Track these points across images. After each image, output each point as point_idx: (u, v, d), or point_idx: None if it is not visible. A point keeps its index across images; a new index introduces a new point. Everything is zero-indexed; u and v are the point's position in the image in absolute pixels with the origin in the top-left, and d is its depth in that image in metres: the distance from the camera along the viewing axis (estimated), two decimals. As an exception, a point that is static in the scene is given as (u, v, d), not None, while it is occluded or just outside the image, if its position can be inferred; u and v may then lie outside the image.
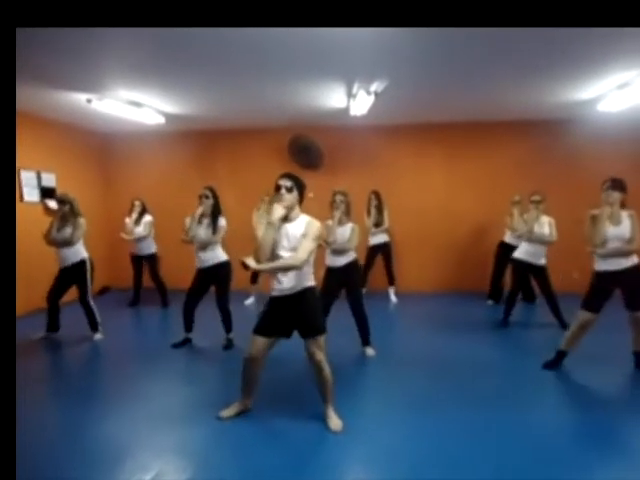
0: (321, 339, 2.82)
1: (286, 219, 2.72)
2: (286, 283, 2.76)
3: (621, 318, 3.73)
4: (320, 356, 2.81)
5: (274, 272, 2.75)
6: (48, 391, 3.63)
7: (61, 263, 4.64)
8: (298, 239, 2.68)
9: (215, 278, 4.37)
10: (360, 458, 2.57)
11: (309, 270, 2.81)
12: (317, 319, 2.84)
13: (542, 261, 4.97)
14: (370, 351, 4.25)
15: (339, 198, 4.05)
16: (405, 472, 2.40)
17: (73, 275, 4.67)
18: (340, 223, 4.05)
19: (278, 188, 2.70)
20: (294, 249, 2.67)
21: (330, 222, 4.06)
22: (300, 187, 2.75)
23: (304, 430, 2.83)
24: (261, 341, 2.85)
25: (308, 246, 2.64)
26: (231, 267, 4.42)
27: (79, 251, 4.65)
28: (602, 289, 3.59)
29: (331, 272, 4.12)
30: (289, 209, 2.70)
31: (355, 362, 4.09)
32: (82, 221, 4.62)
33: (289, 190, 2.69)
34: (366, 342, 4.28)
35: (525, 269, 5.04)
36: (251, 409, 3.05)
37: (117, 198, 7.38)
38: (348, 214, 4.11)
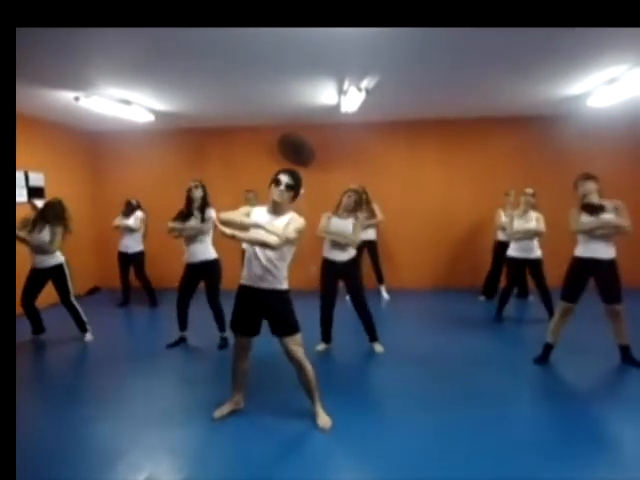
0: (298, 337, 2.80)
1: (275, 213, 2.74)
2: (258, 274, 2.72)
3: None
4: (299, 354, 2.79)
5: (251, 243, 2.67)
6: (39, 392, 3.60)
7: (37, 264, 4.51)
8: None
9: (204, 275, 4.36)
10: (350, 455, 2.59)
11: (284, 271, 2.78)
12: (291, 318, 2.81)
13: (537, 253, 5.01)
14: (378, 347, 4.24)
15: (351, 196, 4.07)
16: (396, 469, 2.41)
17: (49, 277, 4.57)
18: (341, 217, 4.05)
19: (278, 182, 2.68)
20: None
21: (328, 215, 4.10)
22: (299, 187, 2.76)
23: (297, 428, 2.85)
24: (239, 336, 2.88)
25: (290, 234, 2.63)
26: (221, 265, 4.42)
27: (56, 255, 4.54)
28: (578, 277, 3.66)
29: (331, 265, 4.07)
30: (281, 205, 2.71)
31: (347, 359, 4.12)
32: (60, 230, 4.50)
33: (289, 188, 2.69)
34: (373, 338, 4.27)
35: (521, 265, 5.08)
36: (243, 408, 3.06)
37: (106, 197, 7.30)
38: (357, 210, 4.11)
